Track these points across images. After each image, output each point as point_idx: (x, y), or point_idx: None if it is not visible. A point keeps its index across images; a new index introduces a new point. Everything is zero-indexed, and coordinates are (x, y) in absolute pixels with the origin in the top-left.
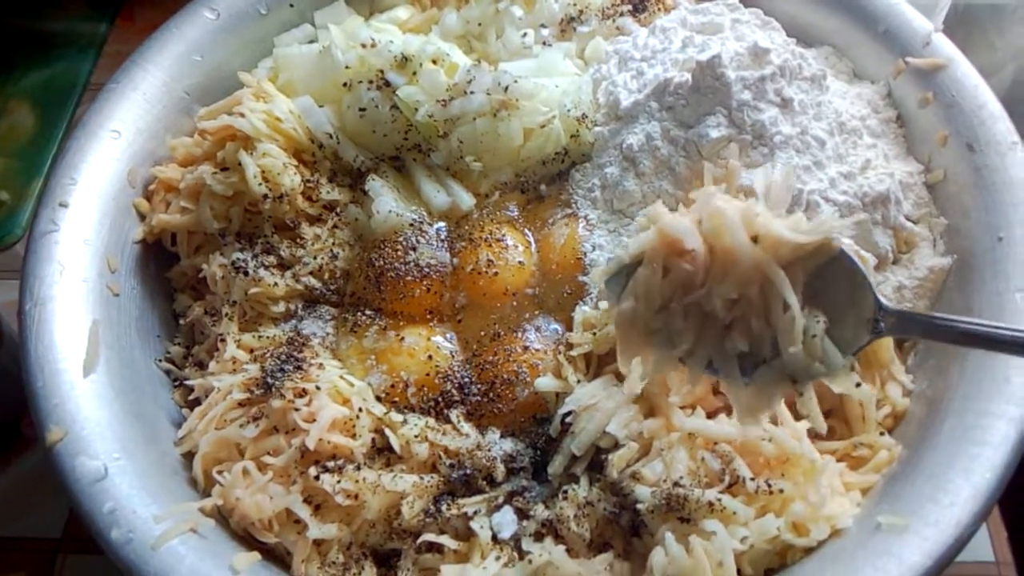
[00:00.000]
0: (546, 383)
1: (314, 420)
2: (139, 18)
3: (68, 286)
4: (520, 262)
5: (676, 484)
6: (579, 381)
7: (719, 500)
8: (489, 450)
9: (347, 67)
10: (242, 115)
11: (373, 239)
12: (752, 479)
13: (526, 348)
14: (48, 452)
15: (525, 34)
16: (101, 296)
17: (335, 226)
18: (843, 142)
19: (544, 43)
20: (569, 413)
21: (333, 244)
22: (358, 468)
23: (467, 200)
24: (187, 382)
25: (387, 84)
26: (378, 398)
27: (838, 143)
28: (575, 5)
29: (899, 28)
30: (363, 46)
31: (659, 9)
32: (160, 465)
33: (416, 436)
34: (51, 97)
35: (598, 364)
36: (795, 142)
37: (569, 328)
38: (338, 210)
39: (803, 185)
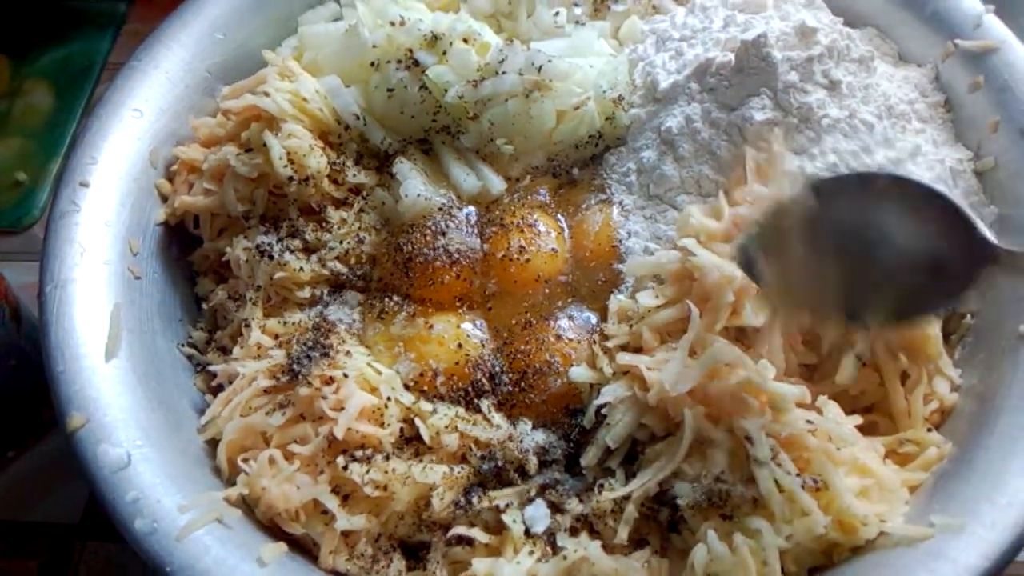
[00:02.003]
0: (580, 373)
1: (342, 408)
2: None
3: (89, 268)
4: (553, 249)
5: (717, 479)
6: (614, 372)
7: (763, 496)
8: (521, 442)
9: (374, 46)
10: (267, 94)
11: (400, 223)
12: (798, 475)
13: (559, 337)
14: (69, 439)
15: (557, 13)
16: (123, 279)
17: (361, 210)
18: (891, 127)
19: (577, 22)
20: (604, 404)
21: (359, 228)
22: (387, 458)
23: (498, 184)
24: (210, 368)
25: (416, 64)
26: (406, 386)
27: (886, 127)
28: None
29: (948, 9)
30: (392, 24)
31: None
32: (183, 452)
33: (446, 426)
34: (69, 77)
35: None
36: (843, 126)
37: (603, 317)
38: (364, 193)
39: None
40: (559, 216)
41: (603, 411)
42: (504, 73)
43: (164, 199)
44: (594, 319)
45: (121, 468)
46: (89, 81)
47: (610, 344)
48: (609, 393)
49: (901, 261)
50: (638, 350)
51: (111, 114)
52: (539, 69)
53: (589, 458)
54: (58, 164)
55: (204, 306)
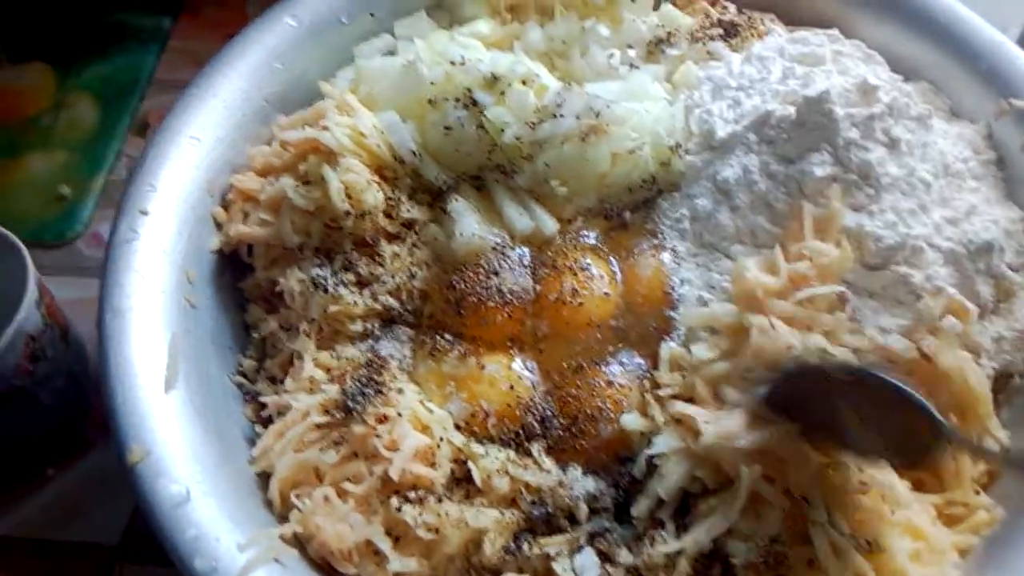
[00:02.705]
0: (632, 421)
1: (396, 448)
2: (202, 15)
3: (146, 297)
4: (605, 293)
5: (774, 540)
6: (666, 421)
7: (819, 559)
8: (571, 488)
9: (432, 83)
10: (326, 128)
11: (453, 261)
12: (852, 536)
13: (610, 383)
14: (129, 472)
15: (611, 55)
16: (179, 308)
17: (414, 245)
18: (947, 185)
19: (631, 65)
20: (657, 455)
21: (411, 263)
22: (439, 500)
23: (551, 225)
24: (261, 398)
25: (474, 103)
26: (457, 427)
27: (943, 186)
28: (664, 27)
29: (1003, 67)
30: (452, 63)
31: (752, 35)
32: (237, 486)
33: (497, 470)
34: (113, 91)
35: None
36: (901, 184)
37: (654, 363)
38: (417, 228)
39: (908, 229)
40: (611, 259)
41: (655, 461)
42: (562, 116)
43: (219, 227)
44: (645, 365)
45: (180, 504)
46: (134, 97)
47: (662, 392)
48: (662, 443)
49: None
50: (690, 400)
51: (169, 141)
52: (597, 114)
53: (640, 509)
54: (102, 179)
55: (255, 335)
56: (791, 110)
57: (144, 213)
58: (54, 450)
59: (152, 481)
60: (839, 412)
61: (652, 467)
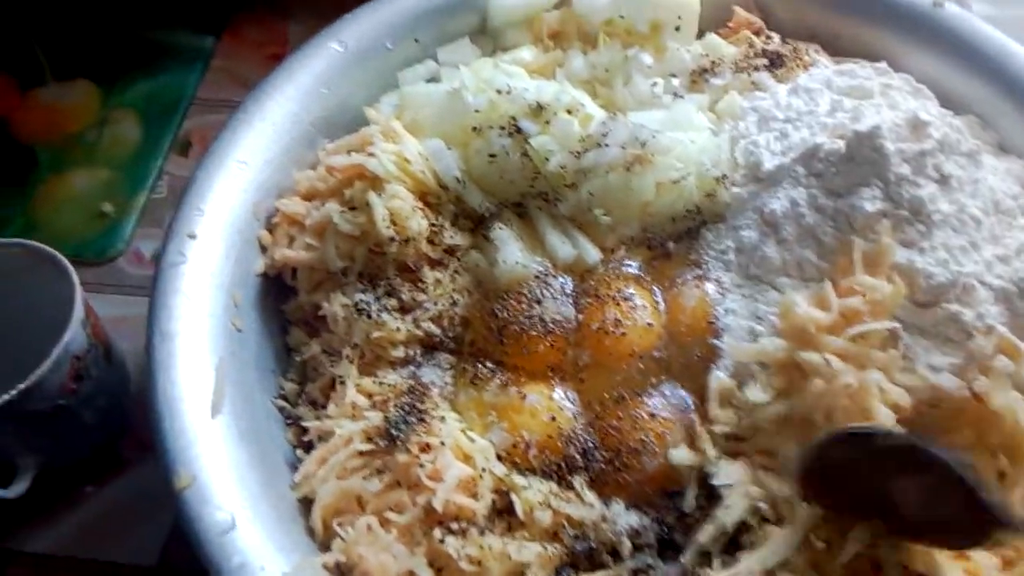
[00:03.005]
0: (681, 456)
1: (440, 478)
2: (244, 35)
3: (194, 320)
4: (648, 323)
5: None
6: (718, 456)
7: None
8: (614, 523)
9: (476, 111)
10: (372, 155)
11: (495, 288)
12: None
13: (652, 415)
14: (175, 498)
15: (655, 83)
16: (226, 331)
17: (456, 271)
18: (998, 222)
19: (675, 94)
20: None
21: (453, 290)
22: (482, 533)
23: (593, 254)
24: (303, 423)
25: (519, 131)
26: (498, 457)
27: (993, 223)
28: (708, 56)
29: None
30: (498, 92)
31: (797, 66)
32: (280, 512)
33: (540, 502)
34: (156, 109)
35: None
36: (952, 221)
37: (697, 395)
38: (459, 255)
39: (959, 267)
40: (654, 289)
41: (721, 491)
42: (607, 146)
43: (264, 250)
44: (689, 399)
45: (226, 531)
46: (176, 115)
47: (716, 429)
48: (727, 474)
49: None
50: (743, 438)
51: (218, 164)
52: (643, 144)
53: (706, 537)
54: (144, 197)
55: (297, 358)
56: (840, 144)
57: (192, 236)
58: (92, 468)
59: (198, 507)
60: (884, 485)
61: (709, 499)
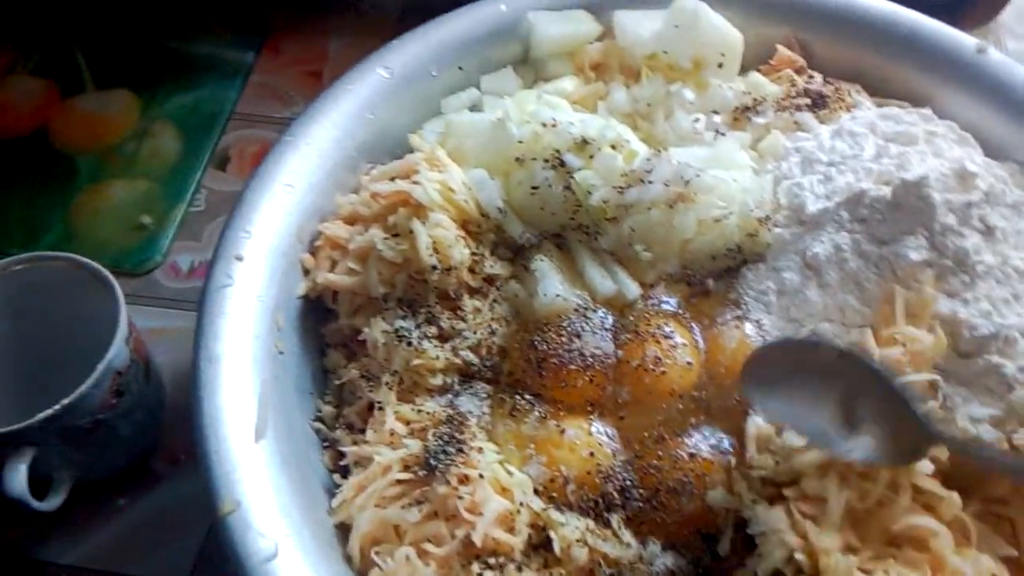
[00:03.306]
0: (719, 497)
1: (478, 511)
2: (284, 50)
3: (239, 343)
4: (688, 362)
5: None
6: (754, 500)
7: None
8: (651, 564)
9: (520, 142)
10: (417, 183)
11: (534, 319)
12: None
13: (692, 455)
14: (219, 523)
15: (697, 120)
16: (269, 354)
17: (494, 300)
18: None
19: (717, 131)
20: (742, 532)
21: (492, 319)
22: (519, 569)
23: (633, 289)
24: (340, 447)
25: (562, 164)
26: (535, 491)
27: None
28: (750, 94)
29: None
30: (543, 125)
31: (840, 106)
32: (319, 539)
33: (577, 540)
34: (195, 123)
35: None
36: (996, 272)
37: (735, 437)
38: (498, 284)
39: (1002, 319)
40: (693, 327)
41: (756, 539)
42: (650, 182)
43: (306, 273)
44: (727, 441)
45: (269, 559)
46: (215, 129)
47: (754, 474)
48: (765, 521)
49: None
50: (781, 483)
51: (265, 187)
52: (687, 182)
53: None
54: (182, 210)
55: (336, 382)
56: (886, 191)
57: (239, 259)
58: (125, 482)
59: (242, 534)
60: (824, 397)
61: (745, 545)
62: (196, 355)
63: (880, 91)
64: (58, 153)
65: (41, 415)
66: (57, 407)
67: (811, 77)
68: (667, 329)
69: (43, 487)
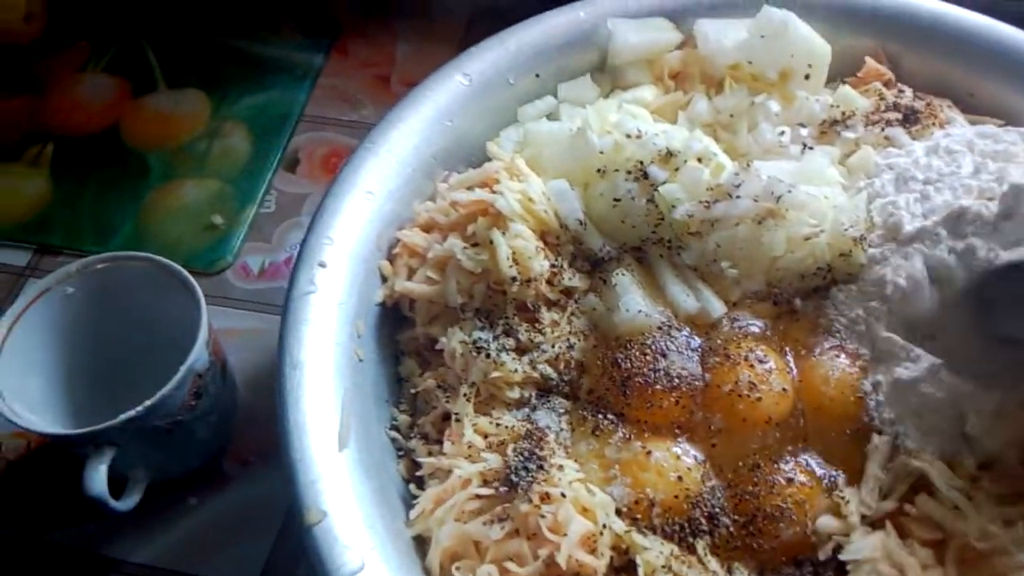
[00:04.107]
0: (827, 524)
1: (560, 531)
2: (352, 53)
3: (322, 350)
4: (783, 388)
5: None
6: (863, 517)
7: None
8: None
9: (601, 152)
10: (497, 192)
11: (616, 335)
12: None
13: (790, 480)
14: (306, 533)
15: (783, 132)
16: (351, 362)
17: (572, 314)
18: None
19: (804, 145)
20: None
21: (570, 333)
22: None
23: (718, 308)
24: (416, 457)
25: (645, 176)
26: (618, 511)
27: None
28: (838, 107)
29: None
30: (627, 136)
31: (932, 123)
32: (401, 552)
33: (663, 566)
34: (266, 124)
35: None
36: None
37: (843, 470)
38: (576, 297)
39: None
40: (785, 351)
41: (847, 566)
42: (739, 197)
43: (384, 280)
44: (833, 473)
45: (355, 572)
46: (285, 131)
47: (865, 512)
48: (859, 549)
49: None
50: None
51: (346, 194)
52: (778, 198)
53: None
54: (252, 211)
55: (411, 390)
56: (987, 205)
57: (323, 265)
58: (196, 482)
59: (329, 547)
60: None
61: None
62: (280, 361)
63: (971, 107)
64: (130, 151)
65: (123, 416)
66: (140, 408)
67: (901, 91)
68: (759, 353)
69: (119, 486)
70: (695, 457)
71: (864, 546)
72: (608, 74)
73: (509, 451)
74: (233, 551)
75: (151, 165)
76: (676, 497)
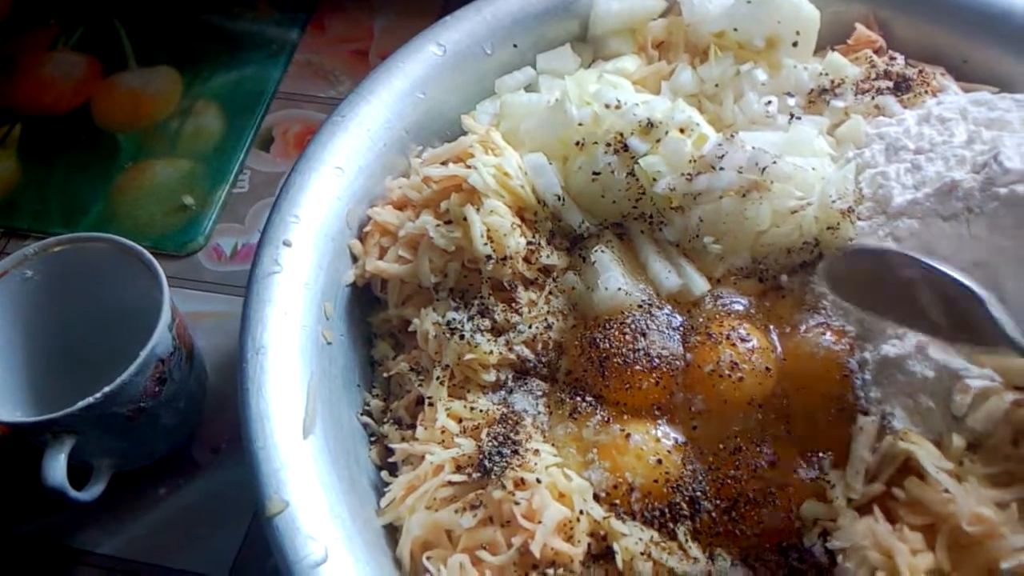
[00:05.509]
0: (812, 508)
1: (535, 519)
2: (329, 28)
3: (287, 333)
4: (767, 368)
5: None
6: (849, 500)
7: None
8: None
9: (580, 124)
10: (471, 167)
11: (594, 314)
12: None
13: (774, 465)
14: (267, 523)
15: (769, 102)
16: (317, 345)
17: (550, 293)
18: None
19: (792, 115)
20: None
21: (548, 312)
22: None
23: (701, 285)
24: (388, 443)
25: (626, 149)
26: (596, 497)
27: None
28: (827, 75)
29: None
30: (607, 107)
31: (925, 91)
32: (368, 541)
33: (641, 552)
34: (239, 102)
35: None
36: None
37: (830, 450)
38: (554, 275)
39: None
40: (769, 329)
41: (836, 554)
42: (722, 169)
43: (355, 259)
44: (818, 455)
45: (319, 564)
46: (259, 108)
47: (852, 496)
48: (853, 535)
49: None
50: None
51: (313, 170)
52: (763, 170)
53: None
54: (224, 191)
55: (384, 374)
56: (978, 178)
57: (288, 244)
58: (165, 471)
59: (291, 537)
60: (905, 293)
61: (828, 553)
62: (242, 345)
63: (965, 75)
64: (100, 131)
65: (81, 403)
66: (98, 395)
67: (892, 58)
68: (742, 331)
69: (82, 476)
70: (675, 440)
71: (852, 533)
72: (589, 44)
73: (483, 436)
74: (204, 541)
75: (121, 145)
76: (656, 481)
